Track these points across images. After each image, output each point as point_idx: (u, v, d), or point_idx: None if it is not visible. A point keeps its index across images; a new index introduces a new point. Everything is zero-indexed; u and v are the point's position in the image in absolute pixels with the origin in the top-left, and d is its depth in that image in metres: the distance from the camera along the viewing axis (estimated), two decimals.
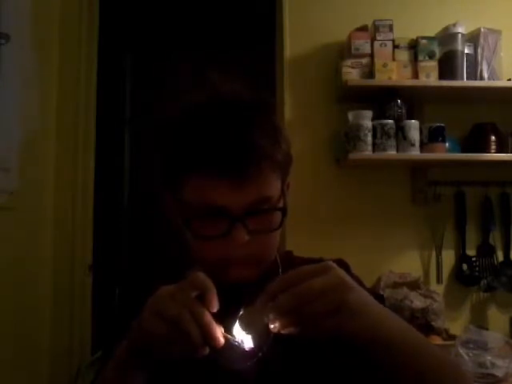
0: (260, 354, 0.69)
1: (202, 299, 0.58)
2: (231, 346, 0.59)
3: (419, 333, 0.64)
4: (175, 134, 0.72)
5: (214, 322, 0.56)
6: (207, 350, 0.57)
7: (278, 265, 0.79)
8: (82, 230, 1.98)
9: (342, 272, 0.58)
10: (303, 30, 2.11)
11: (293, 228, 1.92)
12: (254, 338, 0.60)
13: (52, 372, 1.84)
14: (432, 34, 1.99)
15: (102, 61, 2.14)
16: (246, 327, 0.59)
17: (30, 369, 1.75)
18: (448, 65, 1.94)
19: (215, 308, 0.58)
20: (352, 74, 1.94)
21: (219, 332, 0.57)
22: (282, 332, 0.57)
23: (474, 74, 1.97)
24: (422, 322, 1.85)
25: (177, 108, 0.74)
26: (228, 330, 0.60)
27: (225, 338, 0.58)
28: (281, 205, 0.72)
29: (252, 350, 0.60)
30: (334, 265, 0.59)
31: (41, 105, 1.84)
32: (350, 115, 1.91)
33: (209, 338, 0.56)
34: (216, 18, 2.94)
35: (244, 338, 0.60)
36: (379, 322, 0.58)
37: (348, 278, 0.58)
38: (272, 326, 0.57)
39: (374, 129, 1.88)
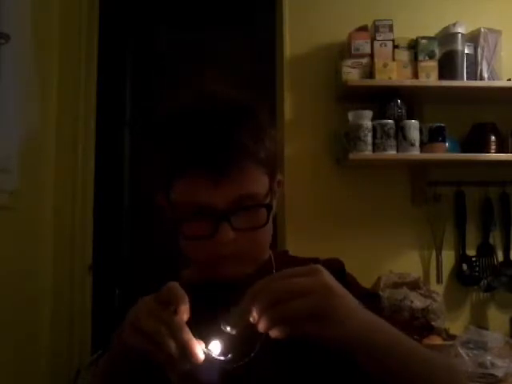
0: (252, 355, 0.69)
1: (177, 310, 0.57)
2: (212, 361, 0.58)
3: (410, 339, 0.62)
4: (161, 135, 0.73)
5: (192, 338, 0.56)
6: (188, 366, 0.56)
7: (273, 264, 0.79)
8: (81, 230, 1.99)
9: (329, 277, 0.57)
10: (303, 30, 2.11)
11: (293, 228, 1.91)
12: (241, 341, 0.58)
13: (52, 372, 1.84)
14: (432, 34, 1.99)
15: (102, 61, 2.14)
16: (232, 328, 0.58)
17: (30, 369, 1.75)
18: (448, 65, 1.95)
19: (185, 319, 0.57)
20: (352, 73, 1.94)
21: (199, 348, 0.56)
22: (267, 333, 0.56)
23: (474, 73, 1.97)
24: (422, 322, 1.85)
25: (163, 109, 0.74)
26: (217, 328, 0.58)
27: (205, 353, 0.57)
28: (267, 201, 0.72)
29: (234, 361, 0.59)
30: (323, 269, 0.57)
31: (41, 105, 1.84)
32: (350, 115, 1.91)
33: (188, 354, 0.55)
34: (216, 18, 2.95)
35: (224, 351, 0.58)
36: (362, 330, 0.57)
37: (335, 284, 0.56)
38: (258, 327, 0.56)
39: (374, 129, 1.88)
